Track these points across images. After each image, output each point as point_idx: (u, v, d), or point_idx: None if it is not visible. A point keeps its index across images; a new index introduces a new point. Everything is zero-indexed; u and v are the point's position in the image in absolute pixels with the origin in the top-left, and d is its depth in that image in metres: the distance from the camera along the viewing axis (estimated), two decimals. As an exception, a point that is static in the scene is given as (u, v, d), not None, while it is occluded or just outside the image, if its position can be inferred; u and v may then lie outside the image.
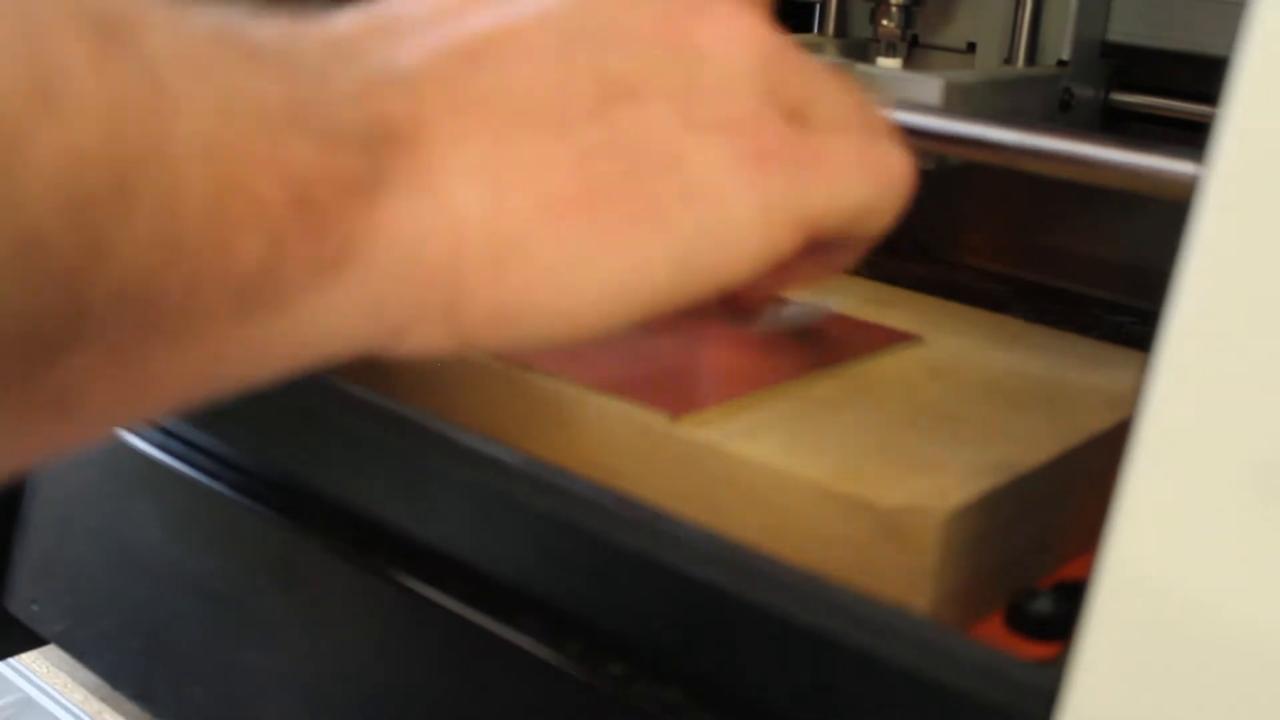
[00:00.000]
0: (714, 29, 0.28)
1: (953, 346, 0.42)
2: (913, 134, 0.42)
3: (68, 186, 0.19)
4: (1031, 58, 0.50)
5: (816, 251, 0.30)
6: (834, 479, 0.32)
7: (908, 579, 0.31)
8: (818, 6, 0.57)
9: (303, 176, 0.22)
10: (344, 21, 0.26)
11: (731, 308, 0.34)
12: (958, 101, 0.45)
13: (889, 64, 0.49)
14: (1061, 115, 0.50)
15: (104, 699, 0.47)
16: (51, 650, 0.50)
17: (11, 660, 0.51)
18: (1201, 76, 0.50)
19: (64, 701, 0.49)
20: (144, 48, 0.20)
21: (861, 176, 0.29)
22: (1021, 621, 0.32)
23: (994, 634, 0.32)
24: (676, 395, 0.36)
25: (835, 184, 0.28)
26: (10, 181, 0.18)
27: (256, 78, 0.22)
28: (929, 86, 0.44)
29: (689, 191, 0.26)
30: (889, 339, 0.41)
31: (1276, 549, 0.23)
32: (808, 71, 0.29)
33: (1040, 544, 0.35)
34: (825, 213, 0.28)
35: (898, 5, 0.49)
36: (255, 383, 0.24)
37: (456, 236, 0.24)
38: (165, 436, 0.43)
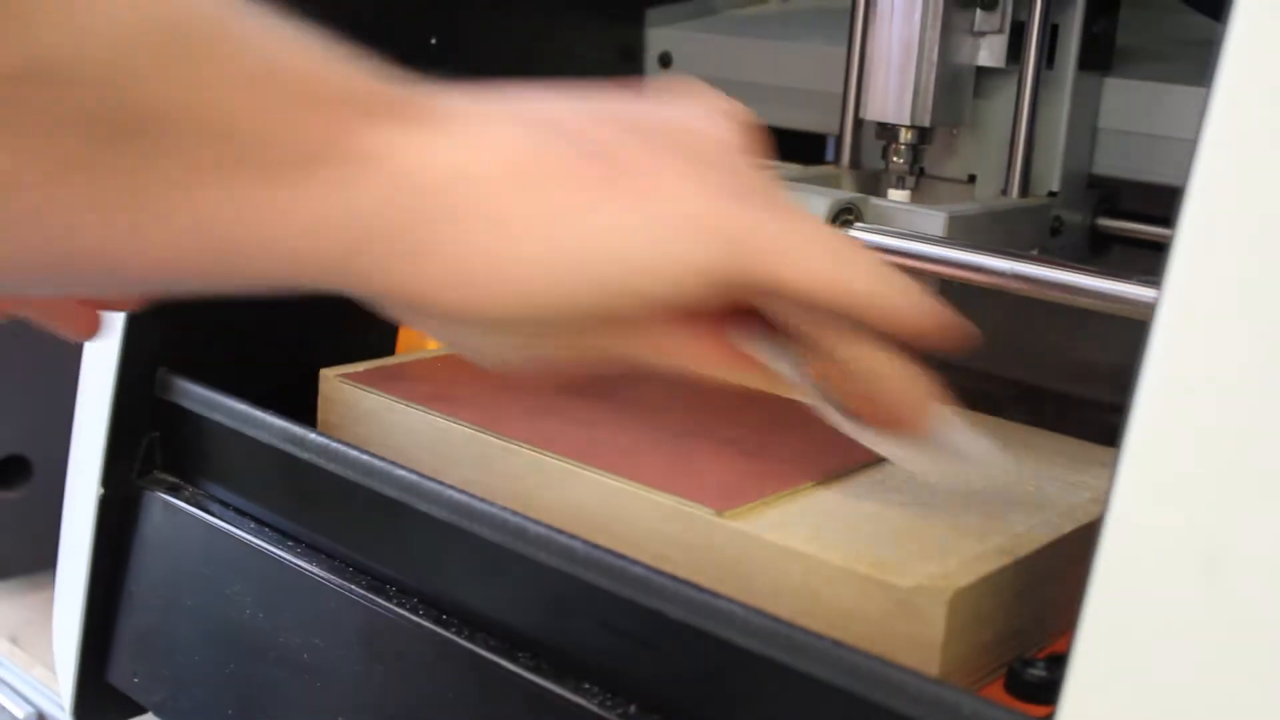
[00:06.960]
0: (717, 127, 0.34)
1: (958, 447, 0.45)
2: (920, 260, 0.46)
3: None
4: (1025, 188, 0.52)
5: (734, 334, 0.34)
6: (856, 563, 0.35)
7: (919, 649, 0.34)
8: (832, 140, 0.59)
9: (364, 88, 0.29)
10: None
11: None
12: (959, 231, 0.47)
13: (898, 195, 0.52)
14: (1052, 240, 0.52)
15: (196, 764, 0.49)
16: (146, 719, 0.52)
17: (106, 731, 0.53)
18: (1177, 205, 0.54)
19: (158, 767, 0.51)
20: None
21: (821, 252, 0.31)
22: (1018, 687, 0.35)
23: (996, 698, 0.34)
24: (720, 492, 0.39)
25: (797, 249, 0.31)
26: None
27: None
28: (934, 219, 0.47)
29: (645, 190, 0.31)
30: (902, 442, 0.44)
31: (1224, 628, 0.26)
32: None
33: (1036, 619, 0.38)
34: (768, 259, 0.31)
35: (906, 144, 0.51)
36: (250, 260, 0.29)
37: (452, 180, 0.29)
38: (257, 525, 0.46)
